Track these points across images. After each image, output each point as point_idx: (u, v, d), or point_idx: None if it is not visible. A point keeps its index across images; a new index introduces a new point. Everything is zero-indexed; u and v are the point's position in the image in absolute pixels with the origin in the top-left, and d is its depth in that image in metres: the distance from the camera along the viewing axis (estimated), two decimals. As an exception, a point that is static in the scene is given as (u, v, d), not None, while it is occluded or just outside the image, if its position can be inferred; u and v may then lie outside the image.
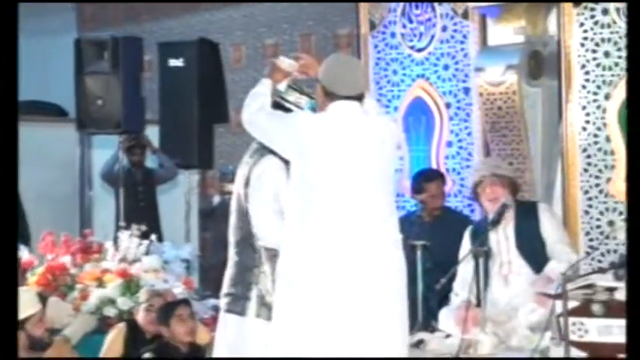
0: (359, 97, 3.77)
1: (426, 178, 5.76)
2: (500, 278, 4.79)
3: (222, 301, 4.09)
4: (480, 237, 4.74)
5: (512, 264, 4.79)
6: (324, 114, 3.74)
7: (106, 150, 8.16)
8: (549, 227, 4.85)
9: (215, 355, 4.08)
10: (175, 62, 6.89)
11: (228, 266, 4.09)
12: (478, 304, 4.60)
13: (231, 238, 4.11)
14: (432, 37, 6.16)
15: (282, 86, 3.99)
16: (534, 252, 4.69)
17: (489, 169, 4.94)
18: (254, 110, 3.80)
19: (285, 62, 3.98)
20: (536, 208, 4.94)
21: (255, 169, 4.00)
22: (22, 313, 4.41)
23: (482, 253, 4.60)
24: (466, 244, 4.91)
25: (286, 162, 3.86)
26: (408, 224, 5.28)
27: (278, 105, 3.96)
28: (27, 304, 4.48)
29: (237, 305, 3.99)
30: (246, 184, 4.02)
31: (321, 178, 3.64)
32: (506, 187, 4.88)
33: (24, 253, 6.02)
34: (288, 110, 3.95)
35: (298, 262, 3.65)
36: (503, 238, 4.84)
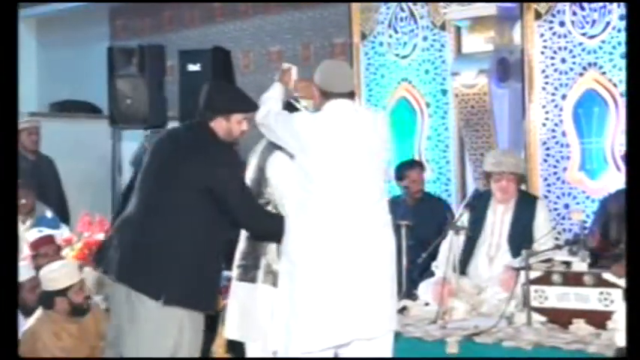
0: (350, 95, 3.75)
1: (407, 167, 5.77)
2: (485, 257, 4.73)
3: (235, 272, 4.09)
4: (471, 210, 4.70)
5: (500, 248, 4.71)
6: (320, 112, 3.71)
7: (133, 142, 8.16)
8: (542, 223, 4.73)
9: (228, 318, 4.07)
10: (193, 67, 6.84)
11: (240, 241, 4.09)
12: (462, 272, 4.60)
13: None
14: (415, 45, 6.15)
15: (292, 85, 3.96)
16: (521, 244, 4.50)
17: (511, 167, 4.76)
18: (264, 114, 3.77)
19: (292, 67, 3.98)
20: (535, 203, 4.82)
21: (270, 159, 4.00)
22: (65, 282, 4.43)
23: (461, 229, 4.59)
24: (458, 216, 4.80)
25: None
26: (394, 206, 5.26)
27: (291, 105, 3.94)
28: (69, 275, 4.48)
29: (248, 274, 3.99)
30: (260, 170, 4.04)
31: (319, 169, 3.62)
32: (518, 182, 4.80)
33: (65, 231, 6.04)
34: (297, 110, 3.93)
35: (299, 244, 3.63)
36: (499, 222, 4.76)
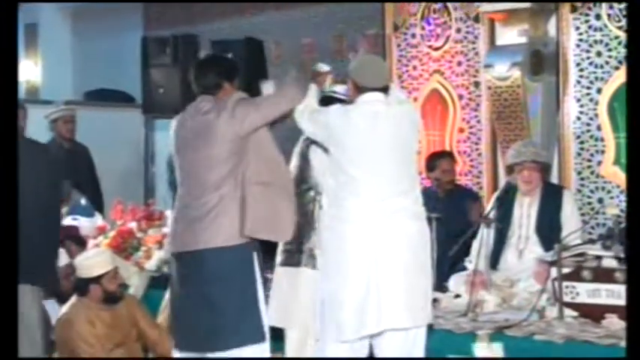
0: (384, 89, 3.79)
1: (438, 157, 5.75)
2: (515, 250, 4.73)
3: (279, 258, 4.14)
4: (500, 204, 4.68)
5: (529, 240, 4.71)
6: (351, 106, 3.78)
7: (166, 132, 8.19)
8: (569, 214, 4.72)
9: (270, 305, 4.06)
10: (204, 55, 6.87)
11: None
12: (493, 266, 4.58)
13: None
14: (448, 37, 6.12)
15: (328, 84, 4.01)
16: (550, 235, 4.53)
17: (531, 155, 4.77)
18: (300, 112, 3.85)
19: (324, 67, 4.04)
20: (561, 194, 4.82)
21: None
22: (99, 270, 4.47)
23: (491, 222, 4.58)
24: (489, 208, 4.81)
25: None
26: (426, 198, 5.25)
27: (331, 99, 4.01)
28: (103, 262, 4.53)
29: (292, 259, 4.04)
30: (304, 157, 4.07)
31: (350, 160, 3.67)
32: (541, 171, 4.77)
33: (98, 219, 6.10)
34: (340, 101, 3.98)
35: (332, 232, 3.70)
36: (525, 215, 4.76)
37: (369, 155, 3.67)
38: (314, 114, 3.81)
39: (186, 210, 3.85)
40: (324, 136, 3.77)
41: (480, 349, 3.87)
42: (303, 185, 4.03)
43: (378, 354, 3.74)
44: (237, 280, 3.76)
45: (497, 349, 3.86)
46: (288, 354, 4.09)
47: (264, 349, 3.82)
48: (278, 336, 4.11)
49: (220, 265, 3.76)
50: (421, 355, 3.74)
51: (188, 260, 3.81)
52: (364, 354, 3.72)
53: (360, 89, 3.76)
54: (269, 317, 3.93)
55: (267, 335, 3.83)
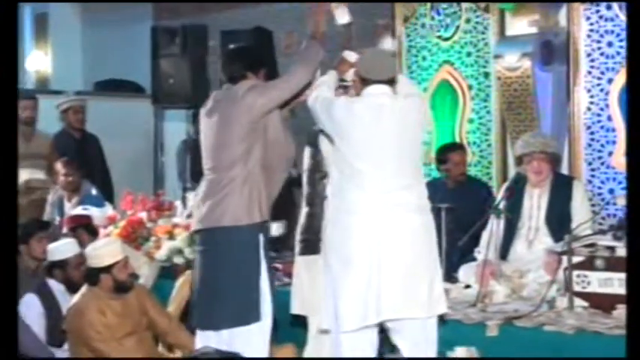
0: (390, 82, 3.78)
1: (449, 149, 5.74)
2: (525, 241, 4.73)
3: (298, 247, 4.18)
4: (510, 195, 4.66)
5: (539, 231, 4.70)
6: (357, 98, 3.77)
7: (176, 122, 8.21)
8: (579, 205, 4.70)
9: (292, 294, 4.16)
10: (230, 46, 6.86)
11: (300, 218, 4.17)
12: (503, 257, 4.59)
13: (305, 191, 4.19)
14: (457, 27, 6.10)
15: (349, 76, 3.99)
16: (560, 226, 4.52)
17: (540, 145, 4.75)
18: (313, 99, 3.85)
19: (352, 56, 4.00)
20: (571, 184, 4.79)
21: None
22: (109, 260, 4.48)
23: (501, 213, 4.56)
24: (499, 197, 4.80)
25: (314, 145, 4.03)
26: (434, 189, 5.25)
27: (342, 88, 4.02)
28: (114, 252, 4.53)
29: (310, 247, 4.09)
30: (316, 145, 4.12)
31: (354, 153, 3.68)
32: (550, 162, 4.75)
33: (109, 209, 6.11)
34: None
35: (335, 223, 3.71)
36: (535, 206, 4.74)
37: (374, 148, 3.67)
38: (324, 103, 3.80)
39: (203, 190, 4.05)
40: (330, 127, 3.77)
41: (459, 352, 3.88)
42: (317, 173, 4.05)
43: (395, 340, 3.75)
44: (239, 260, 3.92)
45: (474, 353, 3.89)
46: (310, 341, 4.13)
47: (261, 327, 3.91)
48: (302, 324, 4.18)
49: (226, 244, 3.94)
50: (435, 344, 3.75)
51: (203, 237, 4.05)
52: (374, 342, 3.74)
53: (364, 81, 3.75)
54: (292, 306, 4.10)
55: (266, 314, 3.93)
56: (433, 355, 3.76)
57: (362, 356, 3.71)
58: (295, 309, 4.13)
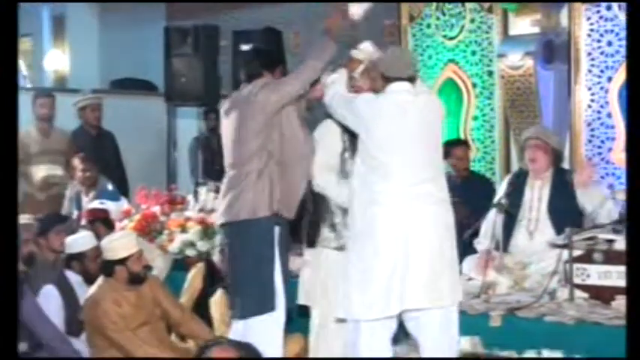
0: (410, 79, 3.82)
1: (452, 145, 5.75)
2: (525, 232, 4.73)
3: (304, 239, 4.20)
4: (512, 189, 4.68)
5: (539, 222, 4.69)
6: (381, 95, 3.79)
7: (187, 119, 8.24)
8: (585, 193, 4.62)
9: (299, 284, 4.17)
10: (246, 47, 6.87)
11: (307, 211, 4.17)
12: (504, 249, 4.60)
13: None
14: (462, 27, 6.12)
15: (358, 72, 4.01)
16: (563, 217, 4.52)
17: (536, 132, 4.80)
18: (330, 96, 3.90)
19: (359, 54, 4.02)
20: (572, 177, 4.75)
21: (314, 133, 4.11)
22: (124, 252, 4.51)
23: (504, 208, 4.59)
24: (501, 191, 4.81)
25: (342, 127, 3.96)
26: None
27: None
28: (128, 244, 4.55)
29: (310, 241, 4.10)
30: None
31: (380, 147, 3.70)
32: (548, 154, 4.73)
33: (124, 203, 6.14)
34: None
35: (363, 215, 3.71)
36: (536, 198, 4.74)
37: (399, 143, 3.70)
38: (344, 100, 3.84)
39: (225, 185, 4.12)
40: (354, 122, 3.81)
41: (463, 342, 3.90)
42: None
43: (414, 329, 3.77)
44: (256, 251, 3.96)
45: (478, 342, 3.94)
46: (312, 331, 4.14)
47: (276, 318, 3.96)
48: (307, 314, 4.21)
49: (244, 236, 3.99)
50: (457, 332, 3.78)
51: (225, 231, 4.16)
52: (393, 330, 3.76)
53: (386, 79, 3.78)
54: (299, 296, 4.12)
55: (280, 305, 3.97)
56: (455, 346, 3.77)
57: (379, 345, 3.72)
58: (301, 299, 4.16)
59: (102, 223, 5.50)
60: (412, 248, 3.63)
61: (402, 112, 3.72)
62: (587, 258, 4.10)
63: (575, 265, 4.11)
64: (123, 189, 6.75)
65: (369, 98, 3.80)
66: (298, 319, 4.38)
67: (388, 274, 3.62)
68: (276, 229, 4.00)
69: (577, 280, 4.11)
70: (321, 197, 4.05)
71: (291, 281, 4.18)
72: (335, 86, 3.93)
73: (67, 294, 4.72)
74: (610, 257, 4.06)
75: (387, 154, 3.70)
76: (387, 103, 3.74)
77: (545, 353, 3.79)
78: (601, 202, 4.53)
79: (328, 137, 4.04)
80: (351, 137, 3.95)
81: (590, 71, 5.45)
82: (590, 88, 5.46)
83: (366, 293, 3.65)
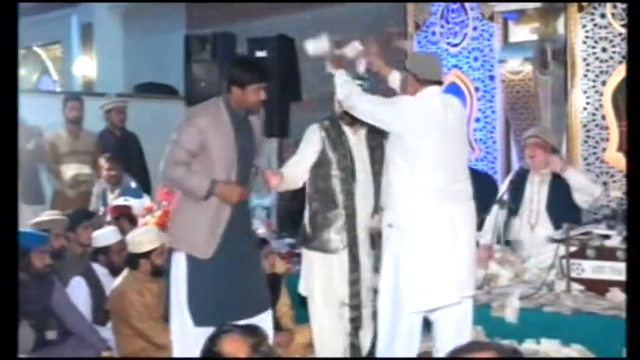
0: (441, 83, 3.81)
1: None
2: (527, 224, 4.69)
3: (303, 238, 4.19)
4: (513, 186, 4.66)
5: (540, 215, 4.66)
6: (419, 97, 3.71)
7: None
8: (574, 177, 4.58)
9: (301, 276, 4.18)
10: (260, 53, 6.86)
11: (306, 209, 4.15)
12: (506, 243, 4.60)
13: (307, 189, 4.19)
14: (465, 35, 6.09)
15: (361, 70, 3.97)
16: (560, 212, 4.51)
17: (536, 131, 4.78)
18: (354, 98, 3.78)
19: (348, 51, 3.97)
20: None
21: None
22: (148, 246, 4.51)
23: (506, 204, 4.56)
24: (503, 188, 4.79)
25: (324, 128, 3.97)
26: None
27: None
28: (152, 239, 4.56)
29: (305, 240, 4.12)
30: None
31: (422, 146, 3.64)
32: (548, 152, 4.68)
33: (146, 200, 6.14)
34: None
35: (410, 213, 3.66)
36: (536, 192, 4.71)
37: (440, 144, 3.65)
38: (380, 101, 3.74)
39: None
40: (392, 123, 3.68)
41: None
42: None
43: (436, 322, 3.78)
44: (255, 256, 3.91)
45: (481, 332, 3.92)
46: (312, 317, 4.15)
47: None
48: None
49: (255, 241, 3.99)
50: (470, 322, 3.79)
51: None
52: (420, 322, 3.75)
53: (421, 82, 3.71)
54: (300, 287, 4.16)
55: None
56: (469, 331, 3.77)
57: (414, 336, 3.72)
58: (301, 289, 4.18)
59: (126, 218, 5.50)
60: (460, 241, 3.64)
61: (444, 113, 3.67)
62: (581, 254, 4.08)
63: (571, 260, 4.08)
64: (145, 187, 6.75)
65: (414, 101, 3.70)
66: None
67: (442, 268, 3.60)
68: None
69: (573, 274, 4.09)
70: (323, 198, 4.03)
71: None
72: (349, 85, 3.83)
73: (94, 285, 4.73)
74: (602, 254, 4.03)
75: (434, 154, 3.63)
76: (426, 106, 3.67)
77: (544, 341, 3.77)
78: (591, 192, 4.49)
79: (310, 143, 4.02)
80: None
81: (585, 76, 5.42)
82: (585, 92, 5.43)
83: (422, 286, 3.61)
